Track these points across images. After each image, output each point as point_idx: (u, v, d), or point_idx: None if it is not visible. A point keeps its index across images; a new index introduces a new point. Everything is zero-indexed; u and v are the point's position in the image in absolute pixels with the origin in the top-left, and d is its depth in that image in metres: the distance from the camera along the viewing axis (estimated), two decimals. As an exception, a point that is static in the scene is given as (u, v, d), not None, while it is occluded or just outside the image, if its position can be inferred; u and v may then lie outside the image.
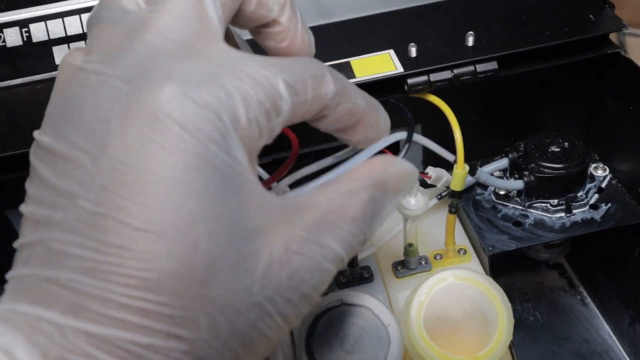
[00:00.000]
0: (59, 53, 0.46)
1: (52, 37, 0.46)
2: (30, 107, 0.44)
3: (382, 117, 0.30)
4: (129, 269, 0.21)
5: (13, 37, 0.46)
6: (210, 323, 0.22)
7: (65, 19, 0.46)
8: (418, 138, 0.42)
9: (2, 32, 0.46)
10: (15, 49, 0.46)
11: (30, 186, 0.23)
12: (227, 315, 0.22)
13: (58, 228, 0.22)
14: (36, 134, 0.24)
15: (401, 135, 0.34)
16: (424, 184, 0.45)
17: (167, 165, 0.21)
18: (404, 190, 0.29)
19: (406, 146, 0.39)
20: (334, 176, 0.28)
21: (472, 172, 0.44)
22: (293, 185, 0.40)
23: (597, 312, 0.55)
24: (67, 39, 0.46)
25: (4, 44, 0.46)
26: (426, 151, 0.51)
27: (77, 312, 0.21)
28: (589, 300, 0.56)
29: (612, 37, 0.45)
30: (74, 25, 0.46)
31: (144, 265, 0.21)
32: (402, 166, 0.28)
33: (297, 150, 0.40)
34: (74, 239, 0.21)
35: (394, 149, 0.41)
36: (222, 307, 0.22)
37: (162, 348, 0.21)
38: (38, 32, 0.46)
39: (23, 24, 0.46)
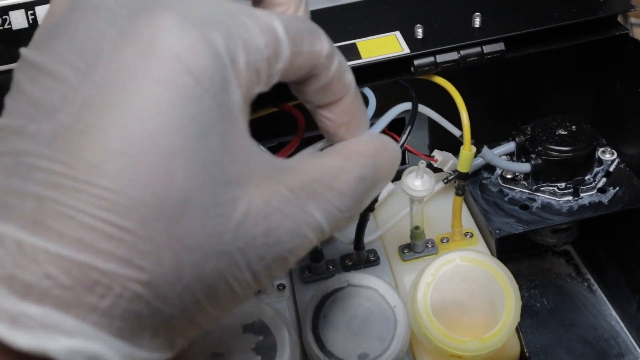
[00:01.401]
0: (65, 36, 0.46)
1: (57, 20, 0.46)
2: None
3: (364, 111, 0.30)
4: (98, 189, 0.20)
5: (19, 20, 0.46)
6: (174, 261, 0.21)
7: (71, 1, 0.46)
8: (425, 110, 0.42)
9: (7, 15, 0.46)
10: (21, 31, 0.46)
11: (8, 99, 0.22)
12: (194, 258, 0.21)
13: (31, 140, 0.21)
14: (23, 50, 0.23)
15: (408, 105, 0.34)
16: (431, 168, 0.44)
17: (154, 94, 0.21)
18: (390, 178, 0.29)
19: (408, 128, 0.39)
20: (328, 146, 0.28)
21: (478, 152, 0.44)
22: None
23: (604, 298, 0.55)
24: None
25: (9, 26, 0.46)
26: (433, 135, 0.50)
27: (38, 227, 0.20)
28: (596, 286, 0.56)
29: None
30: (79, 9, 0.46)
31: (114, 187, 0.20)
32: (397, 153, 0.29)
33: (303, 128, 0.40)
34: (46, 151, 0.20)
35: (398, 129, 0.41)
36: (189, 248, 0.21)
37: (120, 276, 0.20)
38: (44, 15, 0.46)
39: (29, 6, 0.46)
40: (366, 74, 0.41)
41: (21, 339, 0.19)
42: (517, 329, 0.42)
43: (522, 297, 0.55)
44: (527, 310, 0.55)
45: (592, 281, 0.56)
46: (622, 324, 0.52)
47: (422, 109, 0.41)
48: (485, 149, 0.45)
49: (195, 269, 0.22)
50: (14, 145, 0.21)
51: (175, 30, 0.21)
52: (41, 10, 0.46)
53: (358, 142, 0.28)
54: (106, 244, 0.20)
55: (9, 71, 0.46)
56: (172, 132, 0.21)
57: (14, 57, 0.46)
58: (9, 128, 0.21)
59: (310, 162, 0.25)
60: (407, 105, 0.33)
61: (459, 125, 0.42)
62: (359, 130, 0.29)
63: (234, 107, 0.23)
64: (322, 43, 0.26)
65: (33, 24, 0.46)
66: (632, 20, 0.95)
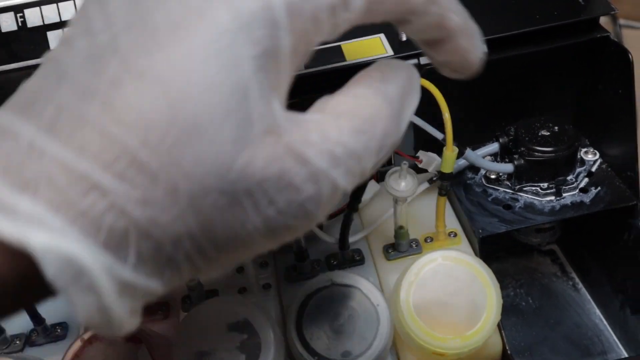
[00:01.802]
0: (54, 38, 0.47)
1: (46, 22, 0.46)
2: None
3: (476, 46, 0.28)
4: (111, 104, 0.21)
5: (8, 22, 0.46)
6: (169, 185, 0.21)
7: (60, 4, 0.46)
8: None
9: (-4, 17, 0.46)
10: (10, 34, 0.46)
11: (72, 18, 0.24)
12: (191, 187, 0.21)
13: (71, 51, 0.22)
14: None
15: None
16: (416, 169, 0.45)
17: (192, 26, 0.21)
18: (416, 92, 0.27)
19: None
20: None
21: (461, 154, 0.44)
22: None
23: (589, 297, 0.55)
24: (61, 24, 0.47)
25: (-2, 29, 0.46)
26: (418, 136, 0.51)
27: (52, 131, 0.21)
28: (580, 285, 0.57)
29: (608, 29, 0.45)
30: (68, 11, 0.46)
31: (126, 103, 0.21)
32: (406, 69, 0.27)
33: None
34: (78, 62, 0.22)
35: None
36: (187, 175, 0.21)
37: (115, 189, 0.21)
38: (33, 18, 0.46)
39: (18, 9, 0.46)
40: (351, 76, 0.41)
41: (4, 227, 0.20)
42: (499, 328, 0.43)
43: (508, 295, 0.57)
44: (512, 309, 0.56)
45: (577, 280, 0.57)
46: (605, 322, 0.53)
47: None
48: (468, 150, 0.45)
49: (191, 200, 0.21)
50: (57, 54, 0.23)
51: None
52: (30, 13, 0.46)
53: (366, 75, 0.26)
54: (107, 155, 0.21)
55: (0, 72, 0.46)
56: (198, 62, 0.21)
57: (3, 59, 0.46)
58: (65, 37, 0.23)
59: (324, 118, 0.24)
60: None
61: (443, 126, 0.42)
62: (466, 71, 0.28)
63: (280, 53, 0.22)
64: None
65: (22, 27, 0.46)
66: (621, 21, 0.96)
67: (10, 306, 0.23)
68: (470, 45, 0.27)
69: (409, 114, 0.27)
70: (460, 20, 0.26)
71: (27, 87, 0.23)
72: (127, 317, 0.22)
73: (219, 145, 0.21)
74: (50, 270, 0.20)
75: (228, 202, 0.22)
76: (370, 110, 0.24)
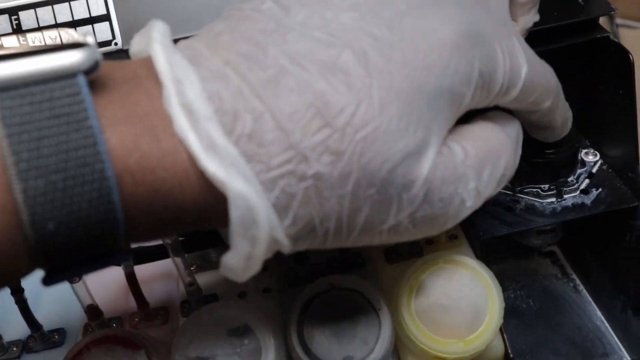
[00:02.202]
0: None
1: (41, 24, 0.46)
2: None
3: (566, 129, 0.38)
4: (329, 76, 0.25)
5: (3, 25, 0.46)
6: (345, 169, 0.24)
7: (55, 6, 0.46)
8: None
9: (-9, 20, 0.46)
10: (5, 36, 0.46)
11: None
12: (360, 176, 0.25)
13: (293, 18, 0.26)
14: None
15: None
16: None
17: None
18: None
19: None
20: None
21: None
22: None
23: (590, 298, 0.55)
24: (56, 27, 0.46)
25: (-7, 31, 0.46)
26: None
27: (268, 89, 0.24)
28: (581, 287, 0.56)
29: (606, 28, 0.45)
30: (63, 13, 0.46)
31: (345, 81, 0.25)
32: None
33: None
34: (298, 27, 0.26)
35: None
36: (363, 166, 0.24)
37: (302, 156, 0.24)
38: (27, 20, 0.46)
39: (12, 11, 0.46)
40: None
41: (210, 165, 0.23)
42: (501, 331, 0.42)
43: (509, 297, 0.56)
44: (513, 311, 0.55)
45: (578, 282, 0.57)
46: (607, 324, 0.53)
47: None
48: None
49: (356, 187, 0.25)
50: (283, 19, 0.26)
51: (457, 38, 0.27)
52: (25, 15, 0.46)
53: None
54: (310, 127, 0.24)
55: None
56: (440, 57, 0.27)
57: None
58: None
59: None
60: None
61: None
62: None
63: (459, 104, 0.28)
64: (548, 100, 0.32)
65: (17, 29, 0.46)
66: (618, 21, 0.96)
67: (188, 227, 0.27)
68: (563, 130, 0.38)
69: (519, 155, 0.33)
70: (561, 120, 0.36)
71: (249, 35, 0.25)
72: (257, 268, 0.26)
73: (402, 148, 0.25)
74: (236, 213, 0.23)
75: (380, 200, 0.25)
76: (498, 145, 0.30)
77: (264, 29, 0.25)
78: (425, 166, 0.26)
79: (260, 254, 0.25)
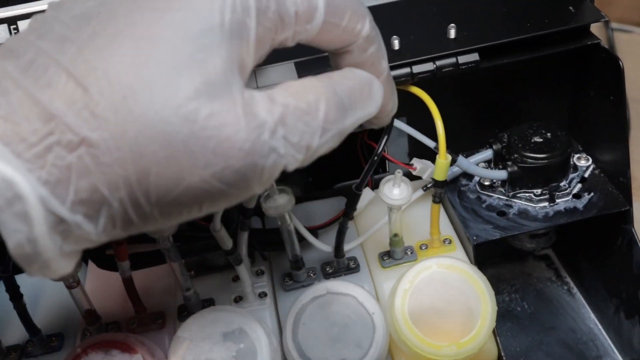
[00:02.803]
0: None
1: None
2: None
3: (393, 100, 0.33)
4: (88, 48, 0.24)
5: (1, 34, 0.46)
6: (117, 128, 0.23)
7: (53, 15, 0.46)
8: (400, 125, 0.43)
9: (-10, 29, 0.46)
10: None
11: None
12: (136, 132, 0.23)
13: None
14: None
15: None
16: (410, 176, 0.45)
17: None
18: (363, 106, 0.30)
19: (385, 138, 0.40)
20: None
21: (454, 161, 0.44)
22: None
23: (583, 301, 0.56)
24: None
25: (-8, 40, 0.46)
26: (412, 143, 0.51)
27: (27, 69, 0.23)
28: (575, 290, 0.57)
29: (601, 33, 0.46)
30: (61, 22, 0.47)
31: (100, 50, 0.24)
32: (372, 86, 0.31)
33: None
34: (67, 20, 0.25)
35: (376, 137, 0.42)
36: (135, 120, 0.23)
37: (66, 124, 0.23)
38: (26, 26, 0.46)
39: (11, 21, 0.46)
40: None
41: None
42: (494, 334, 0.43)
43: (503, 301, 0.57)
44: (507, 314, 0.56)
45: (572, 285, 0.57)
46: (600, 326, 0.53)
47: (397, 123, 0.42)
48: (460, 157, 0.45)
49: (134, 146, 0.23)
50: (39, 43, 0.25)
51: None
52: (23, 25, 0.46)
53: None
54: (69, 95, 0.23)
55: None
56: (173, 20, 0.24)
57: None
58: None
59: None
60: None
61: (436, 133, 0.42)
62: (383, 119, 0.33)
63: (244, 36, 0.25)
64: (363, 24, 0.29)
65: (15, 38, 0.46)
66: (613, 25, 0.96)
67: None
68: (391, 93, 0.33)
69: (359, 115, 0.30)
70: (387, 66, 0.32)
71: (11, 39, 0.25)
72: (57, 257, 0.24)
73: (173, 93, 0.23)
74: None
75: (167, 156, 0.23)
76: (315, 96, 0.27)
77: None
78: (209, 110, 0.24)
79: (43, 233, 0.23)
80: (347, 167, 0.53)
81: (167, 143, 0.23)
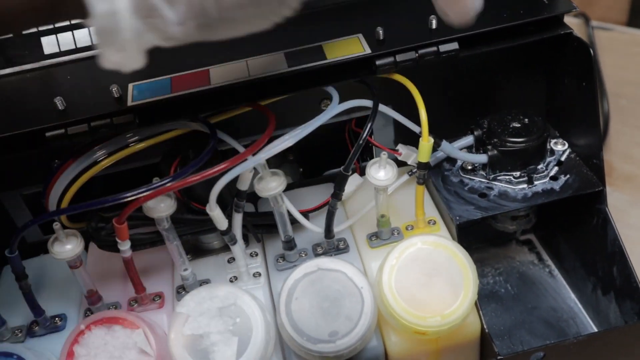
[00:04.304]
0: (48, 43, 0.49)
1: (40, 28, 0.49)
2: (21, 95, 0.47)
3: None
4: None
5: (5, 30, 0.48)
6: None
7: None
8: (385, 109, 0.45)
9: (-7, 25, 0.48)
10: (5, 40, 0.49)
11: None
12: None
13: None
14: None
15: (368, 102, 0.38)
16: (396, 161, 0.48)
17: None
18: None
19: (370, 122, 0.42)
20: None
21: (437, 146, 0.47)
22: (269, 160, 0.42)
23: (564, 282, 0.58)
24: (55, 30, 0.49)
25: (-5, 36, 0.48)
26: (398, 130, 0.54)
27: None
28: (556, 272, 0.60)
29: (582, 30, 0.48)
30: (61, 18, 0.49)
31: None
32: None
33: (273, 127, 0.43)
34: None
35: (363, 124, 0.44)
36: None
37: None
38: (28, 24, 0.48)
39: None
40: (332, 73, 0.44)
41: None
42: (476, 307, 0.45)
43: (488, 283, 0.59)
44: (492, 296, 0.58)
45: (553, 267, 0.60)
46: (579, 304, 0.56)
47: (383, 108, 0.45)
48: (444, 142, 0.48)
49: None
50: None
51: None
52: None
53: None
54: None
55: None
56: None
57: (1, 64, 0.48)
58: None
59: None
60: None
61: (419, 119, 0.45)
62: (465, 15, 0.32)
63: None
64: None
65: (17, 33, 0.48)
66: (594, 23, 1.00)
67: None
68: None
69: None
70: None
71: None
72: (134, 42, 0.25)
73: None
74: None
75: None
76: None
77: None
78: None
79: (125, 9, 0.24)
80: (335, 156, 0.56)
81: None
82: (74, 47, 0.49)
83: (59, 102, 0.42)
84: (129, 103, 0.42)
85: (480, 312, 0.46)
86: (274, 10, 0.28)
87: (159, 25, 0.25)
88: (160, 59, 0.47)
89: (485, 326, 0.45)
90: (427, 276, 0.43)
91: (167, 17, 0.25)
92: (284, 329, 0.42)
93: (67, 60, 0.49)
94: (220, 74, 0.44)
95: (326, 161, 0.58)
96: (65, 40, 0.49)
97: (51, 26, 0.49)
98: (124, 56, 0.26)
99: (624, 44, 0.97)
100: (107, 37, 0.25)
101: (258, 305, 0.41)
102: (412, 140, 0.48)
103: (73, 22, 0.49)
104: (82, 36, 0.49)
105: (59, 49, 0.49)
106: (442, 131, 0.48)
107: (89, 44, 0.49)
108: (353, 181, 0.51)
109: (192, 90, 0.43)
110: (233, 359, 0.40)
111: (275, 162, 0.56)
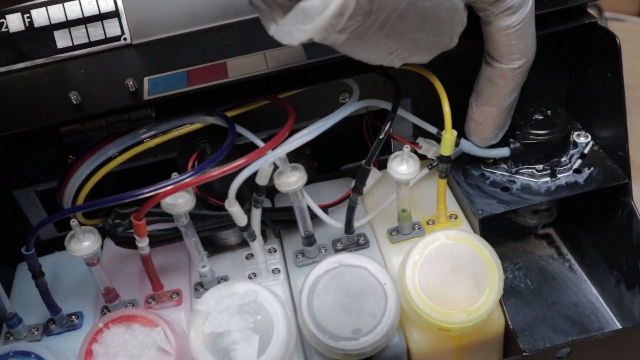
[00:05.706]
0: (60, 37, 0.48)
1: (53, 22, 0.48)
2: (33, 90, 0.46)
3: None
4: None
5: (15, 23, 0.47)
6: None
7: (66, 4, 0.48)
8: (402, 113, 0.45)
9: (4, 18, 0.47)
10: (17, 34, 0.48)
11: None
12: None
13: None
14: None
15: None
16: (416, 154, 0.47)
17: None
18: None
19: (391, 116, 0.41)
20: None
21: (456, 143, 0.46)
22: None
23: (585, 276, 0.57)
24: (67, 24, 0.48)
25: (6, 29, 0.47)
26: (416, 127, 0.53)
27: None
28: (576, 266, 0.59)
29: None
30: (74, 11, 0.48)
31: None
32: None
33: (293, 120, 0.42)
34: None
35: (381, 118, 0.43)
36: None
37: None
38: (39, 18, 0.48)
39: (25, 10, 0.48)
40: (352, 65, 0.43)
41: None
42: (501, 304, 0.44)
43: (507, 278, 0.58)
44: (511, 291, 0.57)
45: (573, 261, 0.59)
46: (601, 299, 0.55)
47: (400, 111, 0.44)
48: (462, 140, 0.47)
49: None
50: None
51: None
52: (37, 14, 0.48)
53: None
54: None
55: (7, 72, 0.47)
56: None
57: (12, 59, 0.48)
58: None
59: None
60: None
61: (441, 112, 0.44)
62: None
63: None
64: None
65: (29, 27, 0.48)
66: (607, 14, 0.98)
67: None
68: None
69: None
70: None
71: None
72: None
73: None
74: None
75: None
76: None
77: None
78: None
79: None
80: (352, 150, 0.55)
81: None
82: (87, 40, 0.48)
83: (74, 97, 0.41)
84: (145, 97, 0.41)
85: (505, 308, 0.45)
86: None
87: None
88: (175, 53, 0.47)
89: (510, 323, 0.44)
90: (450, 272, 0.42)
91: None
92: (305, 326, 0.41)
93: (80, 54, 0.48)
94: (238, 66, 0.43)
95: (342, 155, 0.57)
96: (78, 34, 0.48)
97: (63, 19, 0.48)
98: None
99: (636, 34, 0.95)
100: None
101: (279, 302, 0.41)
102: (432, 135, 0.47)
103: (85, 15, 0.48)
104: (95, 30, 0.48)
105: (72, 42, 0.48)
106: (462, 125, 0.47)
107: (102, 37, 0.48)
108: (372, 175, 0.51)
109: (210, 84, 0.42)
110: (254, 357, 0.39)
111: (291, 157, 0.55)
